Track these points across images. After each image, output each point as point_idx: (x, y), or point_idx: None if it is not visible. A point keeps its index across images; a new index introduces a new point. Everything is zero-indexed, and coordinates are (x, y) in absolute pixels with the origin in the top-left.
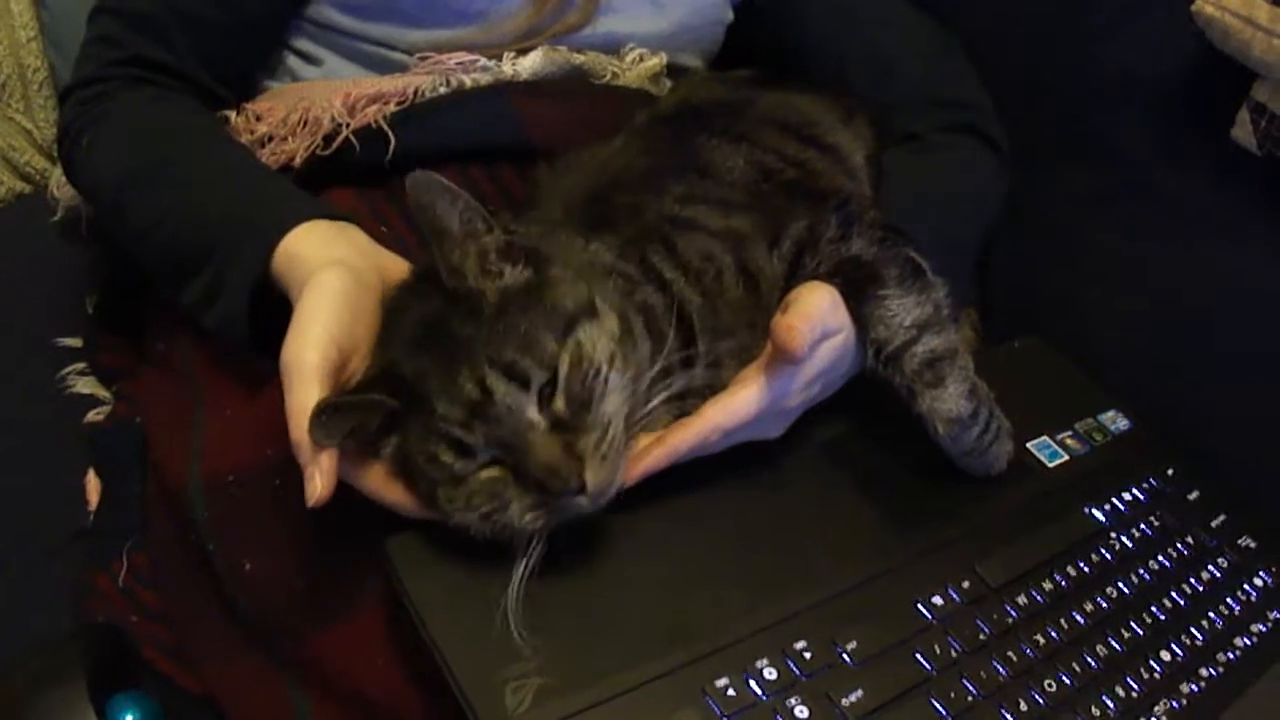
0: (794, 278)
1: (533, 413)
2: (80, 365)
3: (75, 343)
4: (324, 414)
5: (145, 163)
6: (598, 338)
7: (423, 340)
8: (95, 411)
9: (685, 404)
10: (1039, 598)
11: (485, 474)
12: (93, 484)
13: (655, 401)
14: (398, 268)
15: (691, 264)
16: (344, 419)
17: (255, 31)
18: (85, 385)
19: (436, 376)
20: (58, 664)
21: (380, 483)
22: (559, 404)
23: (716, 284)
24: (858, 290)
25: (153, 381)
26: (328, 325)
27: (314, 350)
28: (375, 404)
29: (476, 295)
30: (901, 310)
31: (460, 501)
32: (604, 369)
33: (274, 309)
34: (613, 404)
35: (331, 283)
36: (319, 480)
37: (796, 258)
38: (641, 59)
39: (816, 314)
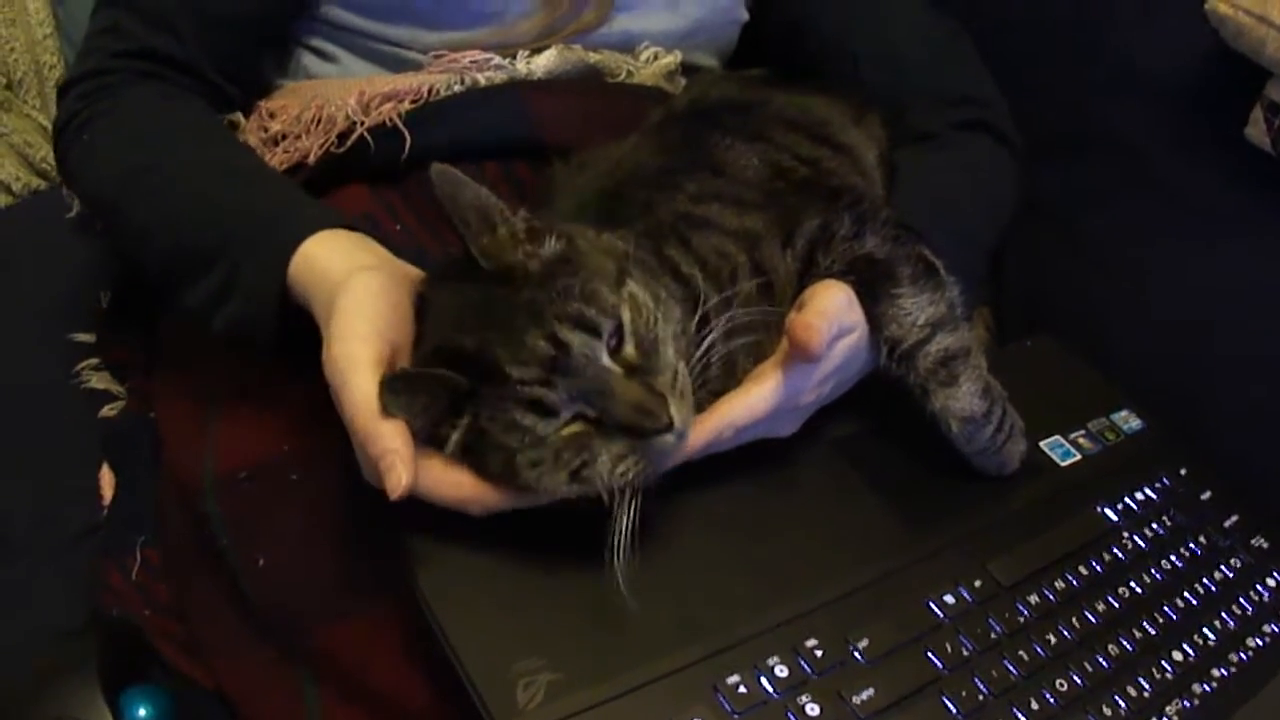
0: (807, 276)
1: (608, 360)
2: (94, 361)
3: (89, 338)
4: (397, 382)
5: (152, 161)
6: (642, 291)
7: (471, 318)
8: (109, 407)
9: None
10: (1051, 597)
11: (568, 430)
12: (106, 479)
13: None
14: (416, 274)
15: (709, 261)
16: (414, 392)
17: (264, 27)
18: (99, 381)
19: (502, 344)
20: (71, 657)
21: (441, 473)
22: (629, 349)
23: (732, 281)
24: (871, 289)
25: (166, 377)
26: (374, 321)
27: (365, 345)
28: (444, 379)
29: (518, 267)
30: (915, 309)
31: (546, 464)
32: (658, 318)
33: (281, 312)
34: (674, 350)
35: (369, 283)
36: (400, 468)
37: (810, 256)
38: (656, 57)
39: (833, 312)
